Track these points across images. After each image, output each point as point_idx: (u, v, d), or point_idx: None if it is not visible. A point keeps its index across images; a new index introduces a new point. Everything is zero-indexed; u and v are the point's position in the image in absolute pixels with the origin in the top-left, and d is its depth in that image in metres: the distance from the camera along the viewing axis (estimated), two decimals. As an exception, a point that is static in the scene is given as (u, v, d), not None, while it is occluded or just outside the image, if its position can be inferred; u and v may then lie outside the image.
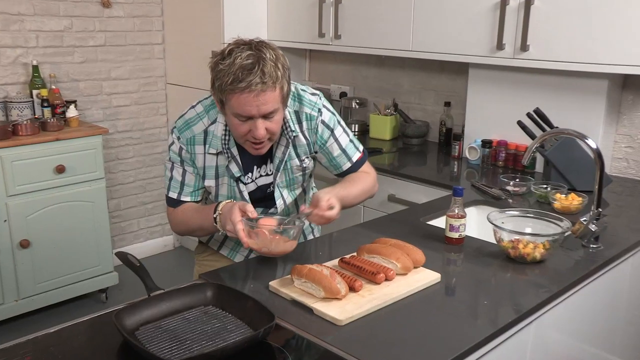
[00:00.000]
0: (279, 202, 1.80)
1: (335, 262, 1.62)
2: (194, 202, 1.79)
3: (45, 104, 3.27)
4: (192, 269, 2.03)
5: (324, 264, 1.54)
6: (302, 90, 1.75)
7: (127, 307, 1.33)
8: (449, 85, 3.36)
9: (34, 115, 3.27)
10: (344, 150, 1.81)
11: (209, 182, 1.76)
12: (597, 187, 1.86)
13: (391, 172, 2.85)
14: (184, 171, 1.75)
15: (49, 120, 3.18)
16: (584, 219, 1.83)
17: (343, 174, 1.85)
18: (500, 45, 2.63)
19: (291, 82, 1.65)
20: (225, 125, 1.68)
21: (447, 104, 3.29)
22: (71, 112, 3.31)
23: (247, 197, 1.76)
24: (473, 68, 3.00)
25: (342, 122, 1.82)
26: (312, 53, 4.03)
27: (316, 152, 1.80)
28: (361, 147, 1.87)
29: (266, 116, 1.56)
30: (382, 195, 2.85)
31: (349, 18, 3.25)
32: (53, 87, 3.37)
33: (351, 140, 1.84)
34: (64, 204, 3.21)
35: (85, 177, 3.26)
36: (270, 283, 1.51)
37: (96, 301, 3.52)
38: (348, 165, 1.84)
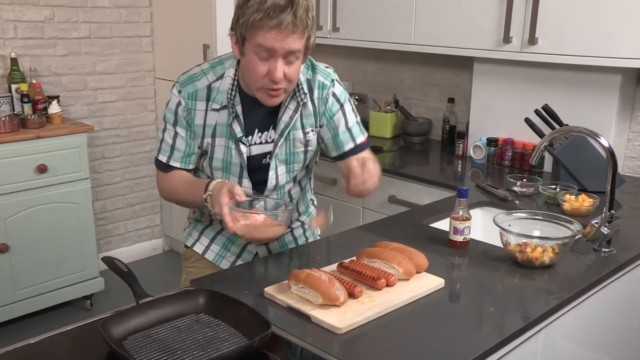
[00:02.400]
0: (271, 175, 1.77)
1: (334, 266, 1.62)
2: (184, 169, 1.78)
3: (26, 100, 3.26)
4: (181, 275, 2.03)
5: (322, 268, 1.54)
6: (316, 62, 1.79)
7: (114, 315, 1.33)
8: (452, 80, 3.36)
9: (13, 111, 3.27)
10: (349, 129, 1.80)
11: (207, 141, 1.75)
12: (609, 187, 1.87)
13: (392, 172, 2.86)
14: (176, 134, 1.74)
15: (29, 117, 3.17)
16: (596, 221, 1.83)
17: (343, 156, 1.81)
18: (507, 38, 2.64)
19: None
20: (234, 80, 1.68)
21: (451, 100, 3.30)
22: (53, 108, 3.31)
23: (245, 160, 1.74)
24: (478, 62, 3.01)
25: (352, 102, 1.84)
26: (308, 46, 4.03)
27: (321, 126, 1.80)
28: (366, 134, 1.86)
29: (287, 58, 1.57)
30: (383, 196, 2.86)
31: (347, 10, 3.26)
32: (34, 81, 3.37)
33: (358, 122, 1.84)
34: (46, 206, 3.20)
35: (68, 178, 3.25)
36: (266, 289, 1.51)
37: (80, 308, 3.51)
38: (351, 145, 1.80)
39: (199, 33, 3.60)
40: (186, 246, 1.99)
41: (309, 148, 1.80)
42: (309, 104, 1.74)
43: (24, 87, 3.29)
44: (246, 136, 1.73)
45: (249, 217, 1.57)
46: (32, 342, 1.32)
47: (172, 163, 1.77)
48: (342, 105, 1.79)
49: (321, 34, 3.39)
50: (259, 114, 1.72)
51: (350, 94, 3.62)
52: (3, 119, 3.06)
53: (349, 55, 3.80)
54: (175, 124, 1.74)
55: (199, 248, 1.93)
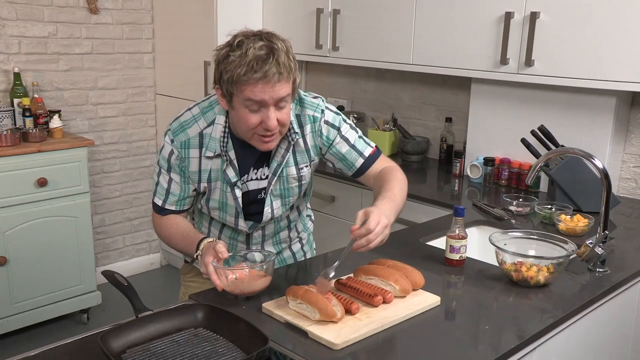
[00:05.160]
0: (267, 210, 1.80)
1: (332, 283, 1.63)
2: (180, 211, 1.81)
3: (27, 114, 3.28)
4: (179, 289, 2.04)
5: (319, 285, 1.55)
6: (304, 95, 1.79)
7: (113, 329, 1.34)
8: (450, 100, 3.39)
9: (15, 125, 3.29)
10: (353, 146, 1.81)
11: (203, 185, 1.77)
12: (603, 208, 1.89)
13: (390, 190, 2.87)
14: (170, 179, 1.76)
15: (30, 131, 3.19)
16: (590, 241, 1.85)
17: (359, 173, 1.84)
18: (504, 60, 2.67)
19: None
20: (225, 127, 1.69)
21: (449, 119, 3.33)
22: (55, 122, 3.33)
23: (240, 204, 1.77)
24: (476, 83, 3.04)
25: (349, 121, 1.84)
26: (308, 65, 4.07)
27: (324, 155, 1.82)
28: (373, 144, 1.87)
29: (278, 105, 1.58)
30: (380, 214, 2.86)
31: (347, 29, 3.29)
32: (36, 95, 3.39)
33: (360, 137, 1.84)
34: (45, 219, 3.21)
35: (68, 191, 3.26)
36: (264, 304, 1.52)
37: (77, 322, 3.50)
38: (361, 161, 1.82)
39: (199, 50, 3.62)
40: (186, 261, 2.00)
41: (303, 182, 1.83)
42: (301, 140, 1.75)
43: (26, 102, 3.31)
44: (242, 176, 1.76)
45: (235, 273, 1.59)
46: (30, 355, 1.33)
47: (167, 206, 1.79)
48: (338, 129, 1.79)
49: (321, 53, 3.43)
50: (253, 155, 1.74)
51: (349, 112, 3.68)
52: (5, 132, 3.08)
53: (348, 74, 3.83)
54: (169, 171, 1.76)
55: (198, 264, 1.94)
